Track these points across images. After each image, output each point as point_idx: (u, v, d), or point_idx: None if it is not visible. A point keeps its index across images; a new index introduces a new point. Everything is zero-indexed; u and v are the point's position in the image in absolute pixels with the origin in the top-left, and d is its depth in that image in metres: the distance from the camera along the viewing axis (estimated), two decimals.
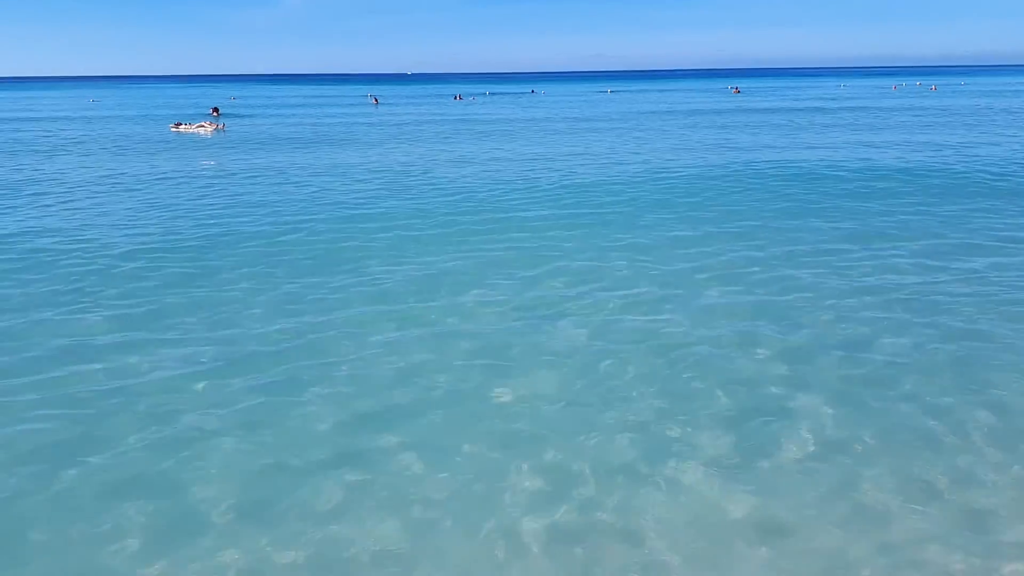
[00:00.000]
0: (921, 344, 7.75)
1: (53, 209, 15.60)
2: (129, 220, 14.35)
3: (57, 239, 12.65)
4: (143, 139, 32.50)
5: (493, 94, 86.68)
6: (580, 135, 32.19)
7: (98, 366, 7.35)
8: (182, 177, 20.21)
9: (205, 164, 23.34)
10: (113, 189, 18.32)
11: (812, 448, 5.81)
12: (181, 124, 37.31)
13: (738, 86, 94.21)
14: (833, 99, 60.50)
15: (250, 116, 49.15)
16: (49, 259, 11.35)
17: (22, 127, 40.18)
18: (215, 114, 45.25)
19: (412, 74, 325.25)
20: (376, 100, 71.18)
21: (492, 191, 17.16)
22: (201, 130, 36.07)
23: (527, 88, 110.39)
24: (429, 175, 19.93)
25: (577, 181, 18.54)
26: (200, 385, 6.95)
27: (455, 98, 76.54)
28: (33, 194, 17.52)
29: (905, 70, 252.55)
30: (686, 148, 25.89)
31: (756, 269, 10.48)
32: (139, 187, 18.58)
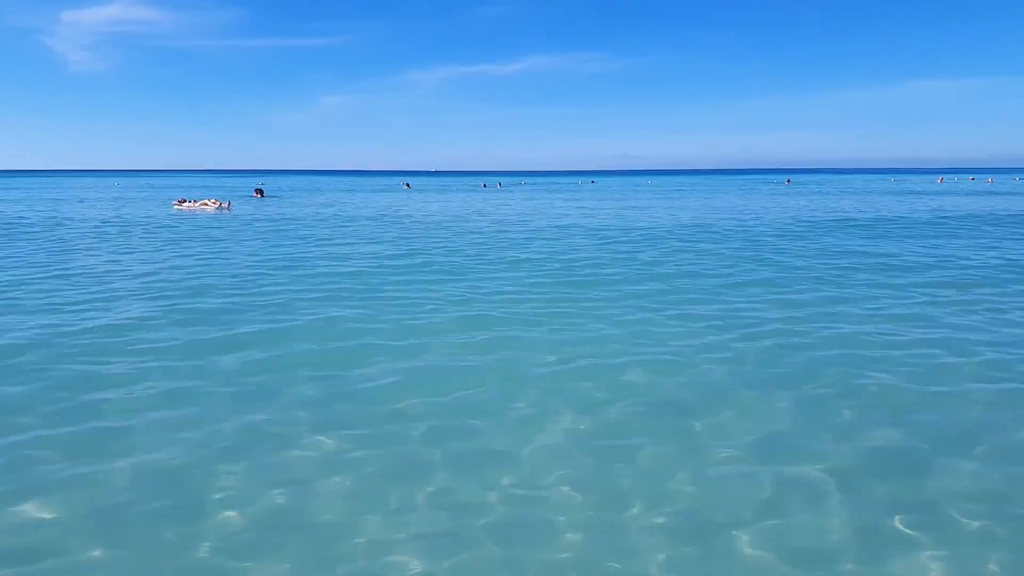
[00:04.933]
0: None
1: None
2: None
3: None
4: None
5: (528, 184, 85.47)
6: None
7: None
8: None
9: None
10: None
11: None
12: (185, 201, 35.56)
13: (789, 178, 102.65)
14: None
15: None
16: None
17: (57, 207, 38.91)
18: (258, 195, 47.46)
19: (435, 171, 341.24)
20: (408, 185, 74.46)
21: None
22: (204, 208, 34.21)
23: (584, 180, 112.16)
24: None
25: None
26: None
27: (483, 185, 75.65)
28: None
29: (916, 171, 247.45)
30: None
31: None
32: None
